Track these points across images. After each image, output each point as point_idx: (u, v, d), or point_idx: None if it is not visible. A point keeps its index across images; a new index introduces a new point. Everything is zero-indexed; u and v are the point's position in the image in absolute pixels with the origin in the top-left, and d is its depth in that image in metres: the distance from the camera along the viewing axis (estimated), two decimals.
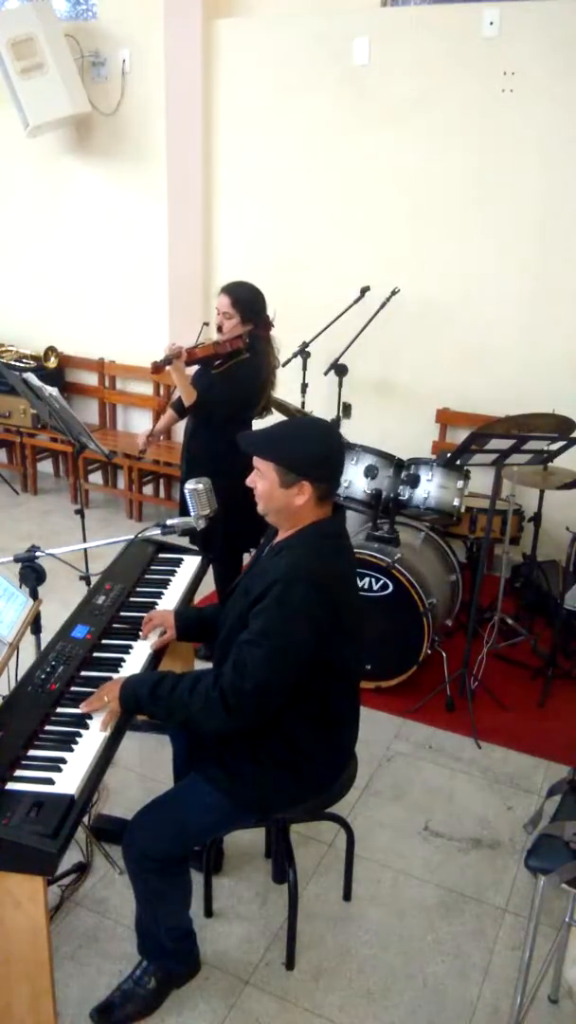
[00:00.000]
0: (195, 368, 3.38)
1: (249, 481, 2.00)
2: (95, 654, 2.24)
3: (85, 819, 2.50)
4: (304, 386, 4.35)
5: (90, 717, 1.96)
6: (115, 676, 2.14)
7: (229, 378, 3.23)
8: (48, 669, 2.13)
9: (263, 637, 1.84)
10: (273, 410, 3.54)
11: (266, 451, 1.96)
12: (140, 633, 2.34)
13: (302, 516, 1.97)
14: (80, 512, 3.33)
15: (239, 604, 2.00)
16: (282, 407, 3.70)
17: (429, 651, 3.41)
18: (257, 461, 1.97)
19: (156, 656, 2.28)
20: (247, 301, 3.22)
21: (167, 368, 3.19)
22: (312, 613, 1.86)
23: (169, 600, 2.58)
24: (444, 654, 3.52)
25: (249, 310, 3.22)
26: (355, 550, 3.32)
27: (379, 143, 4.40)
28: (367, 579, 3.35)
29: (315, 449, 1.95)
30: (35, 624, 2.37)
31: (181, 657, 2.86)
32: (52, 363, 5.46)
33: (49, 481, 5.83)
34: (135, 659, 2.24)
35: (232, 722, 1.86)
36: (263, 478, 1.96)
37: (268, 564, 1.98)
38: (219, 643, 2.08)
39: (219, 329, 3.29)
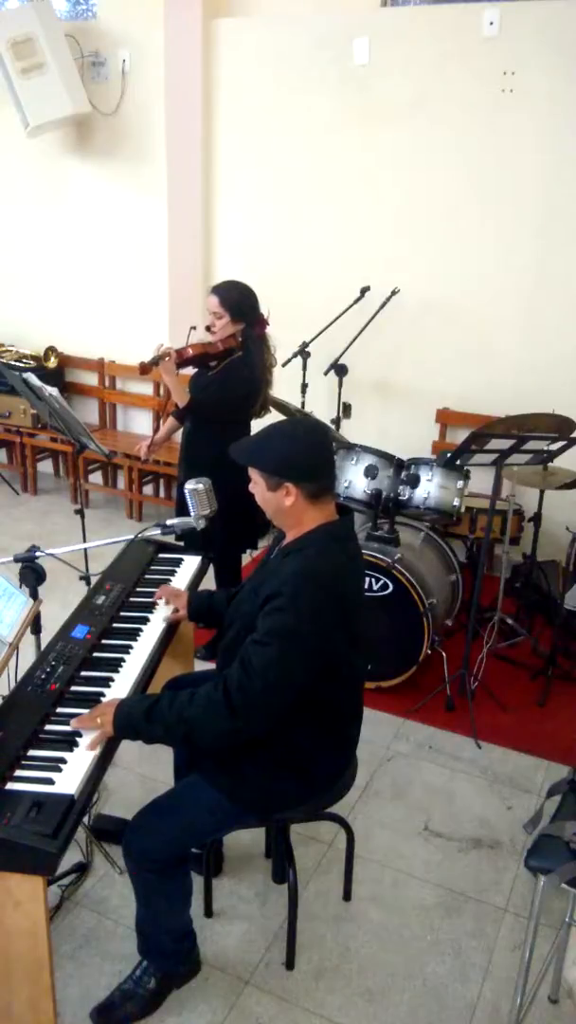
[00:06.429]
0: (190, 371, 3.38)
1: (251, 488, 2.02)
2: (95, 654, 2.25)
3: (85, 819, 2.50)
4: (304, 386, 4.35)
5: None
6: (115, 676, 2.15)
7: (223, 378, 3.23)
8: (48, 669, 2.13)
9: (272, 637, 1.83)
10: (272, 410, 3.52)
11: (248, 458, 1.97)
12: (153, 606, 2.46)
13: (301, 517, 1.96)
14: (80, 512, 3.33)
15: (247, 606, 2.00)
16: (282, 408, 3.70)
17: (429, 651, 3.41)
18: (249, 469, 1.99)
19: (154, 660, 2.28)
20: (235, 299, 3.20)
21: (155, 368, 3.20)
22: (321, 615, 1.85)
23: None
24: (444, 654, 3.52)
25: (238, 308, 3.20)
26: None
27: (379, 143, 4.40)
28: (367, 579, 3.35)
29: (291, 450, 1.94)
30: (35, 624, 2.37)
31: (181, 659, 2.86)
32: (52, 363, 5.46)
33: (49, 481, 5.82)
34: (135, 659, 2.24)
35: (236, 724, 1.84)
36: (256, 485, 1.98)
37: (277, 566, 1.97)
38: (224, 645, 2.08)
39: (207, 329, 3.28)
